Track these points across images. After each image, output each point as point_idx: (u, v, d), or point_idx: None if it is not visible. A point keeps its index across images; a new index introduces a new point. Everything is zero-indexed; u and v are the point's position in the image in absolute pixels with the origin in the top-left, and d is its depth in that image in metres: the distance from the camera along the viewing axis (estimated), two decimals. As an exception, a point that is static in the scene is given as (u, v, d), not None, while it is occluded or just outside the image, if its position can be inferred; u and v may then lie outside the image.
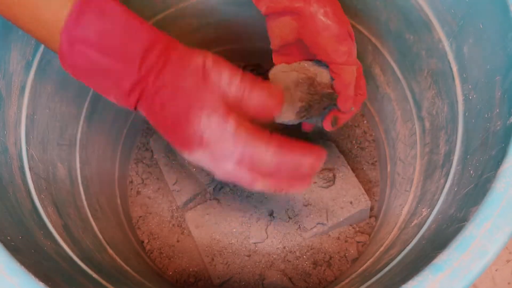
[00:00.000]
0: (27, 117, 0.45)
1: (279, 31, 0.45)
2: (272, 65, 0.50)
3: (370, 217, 0.64)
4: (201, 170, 0.62)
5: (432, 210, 0.44)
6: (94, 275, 0.42)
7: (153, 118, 0.35)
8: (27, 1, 0.33)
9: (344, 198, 0.61)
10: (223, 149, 0.33)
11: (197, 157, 0.35)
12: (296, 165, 0.35)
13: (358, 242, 0.62)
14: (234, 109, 0.34)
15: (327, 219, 0.60)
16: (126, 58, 0.33)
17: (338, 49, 0.42)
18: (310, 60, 0.48)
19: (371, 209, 0.64)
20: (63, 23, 0.32)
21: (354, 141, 0.71)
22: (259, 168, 0.34)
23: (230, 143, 0.33)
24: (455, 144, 0.45)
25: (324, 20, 0.41)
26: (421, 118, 0.54)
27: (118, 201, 0.65)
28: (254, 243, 0.60)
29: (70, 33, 0.32)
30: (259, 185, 0.35)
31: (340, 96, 0.46)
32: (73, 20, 0.32)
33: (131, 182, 0.69)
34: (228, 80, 0.34)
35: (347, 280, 0.52)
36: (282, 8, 0.42)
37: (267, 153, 0.33)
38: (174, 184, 0.65)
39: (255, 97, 0.35)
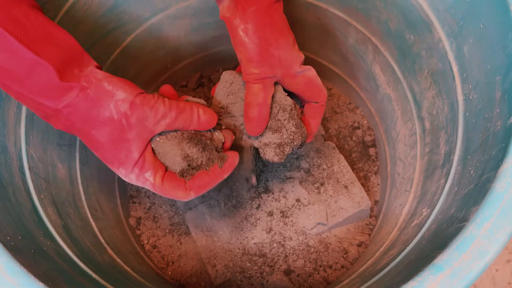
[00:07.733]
0: (26, 117, 0.45)
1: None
2: None
3: (370, 217, 0.64)
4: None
5: (432, 210, 0.44)
6: (94, 275, 0.42)
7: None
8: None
9: (344, 198, 0.61)
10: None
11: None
12: None
13: (358, 242, 0.62)
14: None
15: (327, 219, 0.60)
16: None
17: (247, 69, 0.41)
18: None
19: (371, 209, 0.64)
20: None
21: (354, 142, 0.71)
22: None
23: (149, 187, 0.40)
24: (455, 144, 0.45)
25: (242, 36, 0.40)
26: (421, 118, 0.54)
27: (118, 201, 0.65)
28: (255, 243, 0.60)
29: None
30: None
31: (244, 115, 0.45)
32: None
33: (131, 182, 0.69)
34: (154, 122, 0.38)
35: (347, 280, 0.52)
36: (221, 17, 0.42)
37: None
38: (174, 184, 0.65)
39: (181, 122, 0.40)
